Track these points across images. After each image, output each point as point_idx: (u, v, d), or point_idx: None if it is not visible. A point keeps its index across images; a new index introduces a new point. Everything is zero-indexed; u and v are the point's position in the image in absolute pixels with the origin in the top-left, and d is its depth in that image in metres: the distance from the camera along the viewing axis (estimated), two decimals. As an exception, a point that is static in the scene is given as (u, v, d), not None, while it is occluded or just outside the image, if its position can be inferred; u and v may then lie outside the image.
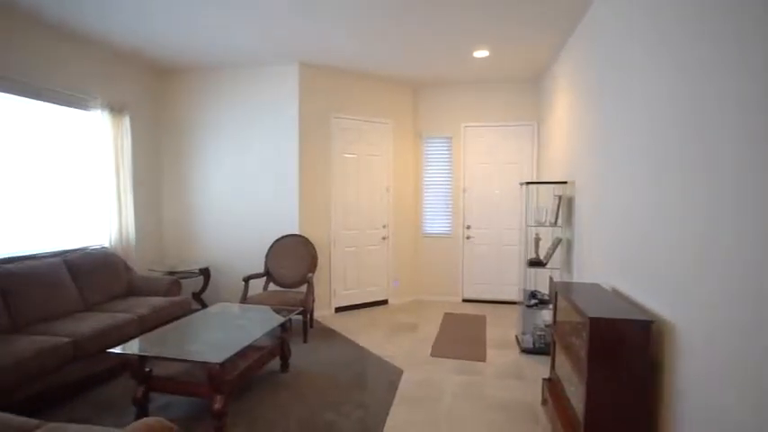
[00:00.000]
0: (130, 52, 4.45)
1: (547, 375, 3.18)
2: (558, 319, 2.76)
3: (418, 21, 3.57)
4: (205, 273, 4.88)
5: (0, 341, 2.80)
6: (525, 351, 3.86)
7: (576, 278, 3.52)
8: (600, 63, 2.99)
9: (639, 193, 2.23)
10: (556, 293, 2.80)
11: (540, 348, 3.82)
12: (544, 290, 4.23)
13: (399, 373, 3.43)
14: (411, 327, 4.62)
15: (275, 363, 3.47)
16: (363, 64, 4.75)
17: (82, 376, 3.05)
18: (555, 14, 3.39)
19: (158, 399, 2.91)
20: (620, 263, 2.51)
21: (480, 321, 4.81)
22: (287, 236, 4.69)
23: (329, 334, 4.38)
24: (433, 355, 3.81)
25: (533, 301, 3.89)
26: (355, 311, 5.20)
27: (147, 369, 2.66)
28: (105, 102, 4.27)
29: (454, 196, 5.66)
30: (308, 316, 4.21)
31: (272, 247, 4.65)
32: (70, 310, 3.51)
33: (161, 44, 4.20)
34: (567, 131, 3.93)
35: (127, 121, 4.49)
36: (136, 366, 2.61)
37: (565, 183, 3.84)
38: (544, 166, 5.03)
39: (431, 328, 4.55)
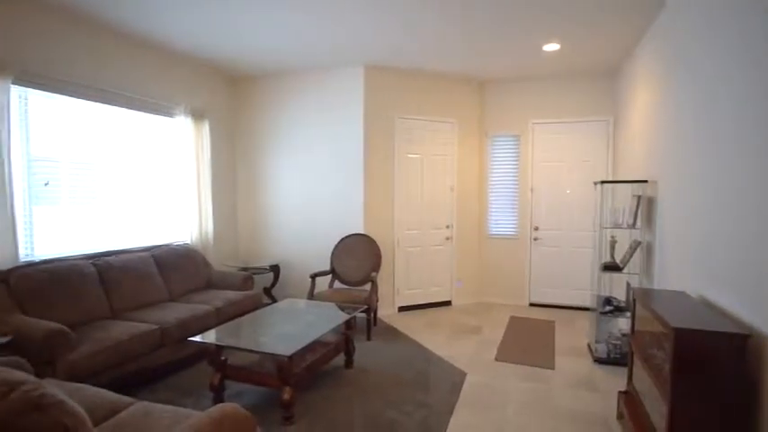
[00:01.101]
0: (210, 63, 4.79)
1: (623, 388, 2.97)
2: (636, 328, 2.57)
3: (486, 16, 3.49)
4: (275, 269, 5.12)
5: (101, 325, 3.14)
6: (598, 361, 3.64)
7: (656, 285, 3.25)
8: (688, 48, 2.74)
9: (741, 192, 2.00)
10: (634, 301, 2.61)
11: (614, 359, 3.58)
12: (620, 296, 3.96)
13: (462, 375, 3.38)
14: (475, 329, 4.53)
15: (340, 358, 3.56)
16: (428, 63, 4.73)
17: (166, 361, 3.32)
18: (634, 0, 3.16)
19: (232, 386, 3.10)
20: (710, 269, 2.28)
21: (548, 327, 4.60)
22: (352, 235, 4.79)
23: (392, 333, 4.41)
24: (497, 359, 3.71)
25: (608, 308, 3.65)
26: (418, 311, 5.20)
27: (223, 358, 2.84)
28: (188, 109, 4.62)
29: (521, 196, 5.46)
30: (372, 314, 4.27)
31: (337, 245, 4.78)
32: (157, 300, 3.84)
33: (236, 54, 4.47)
34: (648, 126, 3.65)
35: (206, 127, 4.83)
36: (213, 355, 2.80)
37: (645, 182, 3.57)
38: (621, 164, 4.70)
39: (495, 332, 4.43)
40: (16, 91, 3.19)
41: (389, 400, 2.95)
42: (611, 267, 3.67)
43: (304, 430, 2.58)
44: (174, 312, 3.52)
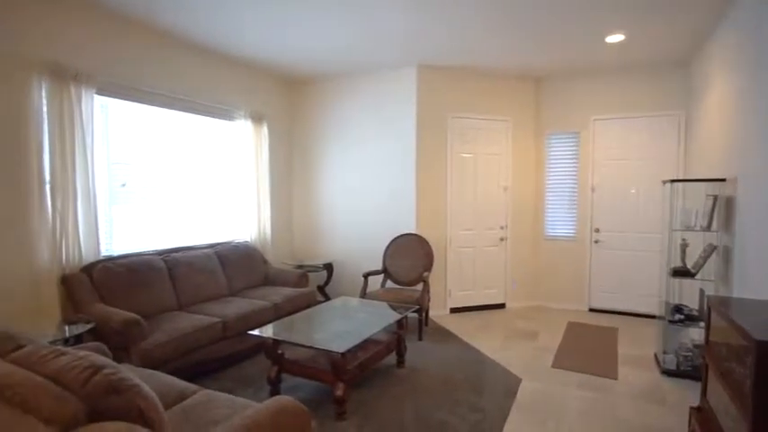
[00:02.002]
0: (268, 68, 4.98)
1: (695, 403, 2.75)
2: (711, 339, 2.38)
3: (543, 9, 3.37)
4: (329, 268, 5.24)
5: (170, 317, 3.37)
6: (667, 373, 3.40)
7: (736, 293, 2.98)
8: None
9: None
10: (709, 309, 2.41)
11: (685, 371, 3.33)
12: (691, 304, 3.67)
13: (517, 381, 3.28)
14: (530, 334, 4.38)
15: (391, 358, 3.57)
16: (482, 61, 4.64)
17: (227, 353, 3.49)
18: (712, -15, 2.92)
19: (288, 379, 3.21)
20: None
21: (610, 334, 4.36)
22: (404, 235, 4.80)
23: (444, 334, 4.37)
24: (554, 366, 3.57)
25: (678, 317, 3.40)
26: (471, 313, 5.11)
27: (280, 352, 2.94)
28: (248, 113, 4.84)
29: (580, 196, 5.21)
30: (424, 314, 4.26)
31: (389, 245, 4.81)
32: (219, 295, 4.05)
33: (293, 59, 4.62)
34: (728, 121, 3.35)
35: (265, 129, 5.04)
36: (270, 349, 2.91)
37: (723, 180, 3.28)
38: (693, 161, 4.36)
39: (552, 337, 4.26)
40: (98, 100, 3.49)
41: (441, 402, 2.93)
42: (682, 273, 3.42)
43: (356, 426, 2.62)
44: (235, 307, 3.69)
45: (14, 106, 3.00)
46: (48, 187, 3.14)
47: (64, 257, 3.21)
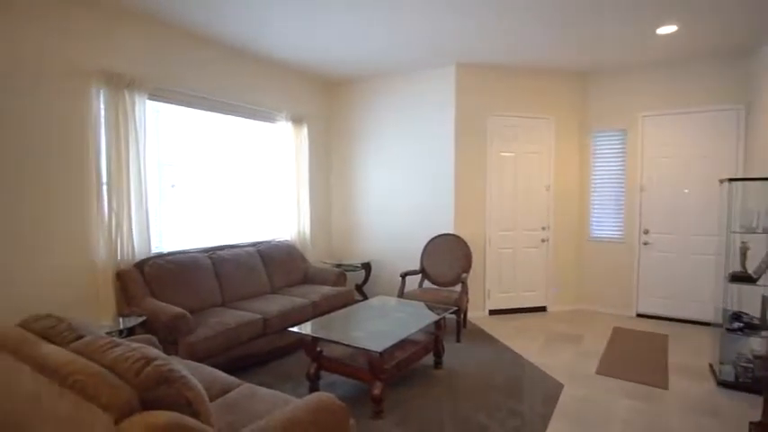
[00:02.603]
0: (308, 70, 5.08)
1: (755, 418, 2.57)
2: (774, 349, 2.21)
3: (589, 1, 3.25)
4: (366, 267, 5.28)
5: (215, 312, 3.50)
6: (723, 384, 3.19)
7: (803, 301, 2.76)
8: None
9: None
10: (772, 318, 2.24)
11: (744, 383, 3.12)
12: (752, 311, 3.43)
13: (559, 386, 3.18)
14: (573, 338, 4.23)
15: (429, 358, 3.56)
16: (524, 57, 4.53)
17: (267, 349, 3.58)
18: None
19: (326, 376, 3.26)
20: None
21: (660, 341, 4.15)
22: (442, 235, 4.76)
23: (482, 336, 4.30)
24: (599, 372, 3.43)
25: (737, 325, 3.19)
26: (510, 316, 5.00)
27: (319, 349, 2.99)
28: (288, 115, 4.95)
29: (628, 197, 4.98)
30: (462, 316, 4.21)
31: (427, 245, 4.78)
32: (261, 292, 4.17)
33: (331, 61, 4.69)
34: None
35: (305, 131, 5.14)
36: (310, 346, 2.96)
37: (788, 179, 3.05)
38: (755, 158, 4.08)
39: (597, 343, 4.10)
40: (150, 105, 3.67)
41: (479, 404, 2.89)
42: (742, 278, 3.20)
43: (393, 425, 2.62)
44: (276, 304, 3.79)
45: (77, 113, 3.21)
46: (105, 188, 3.34)
47: (119, 254, 3.40)
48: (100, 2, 3.28)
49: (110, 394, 1.16)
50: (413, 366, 3.44)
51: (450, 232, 4.83)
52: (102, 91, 3.31)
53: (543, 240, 5.14)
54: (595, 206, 5.21)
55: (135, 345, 1.40)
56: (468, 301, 4.46)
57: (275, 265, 4.43)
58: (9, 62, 2.88)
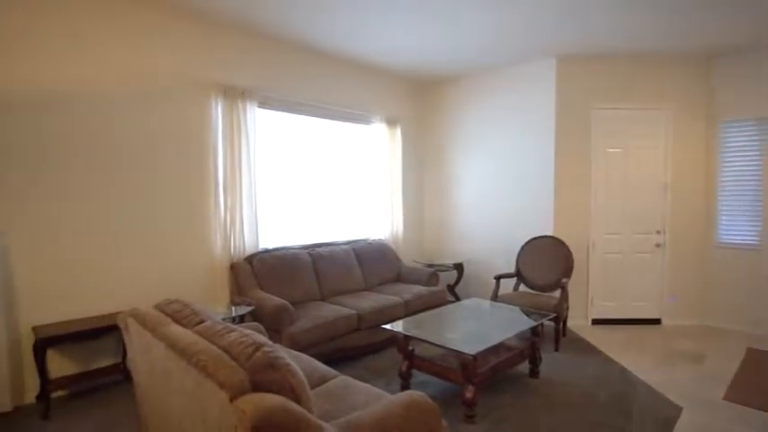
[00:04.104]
0: (401, 71, 5.16)
1: None
2: None
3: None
4: (459, 268, 5.21)
5: (313, 306, 3.71)
6: None
7: None
8: None
9: None
10: None
11: None
12: None
13: (677, 410, 2.83)
14: (695, 357, 3.75)
15: (524, 366, 3.40)
16: (634, 43, 4.12)
17: (361, 343, 3.70)
18: None
19: (418, 375, 3.27)
20: None
21: (811, 368, 3.50)
22: (540, 237, 4.52)
23: (584, 346, 4.00)
24: (727, 398, 3.00)
25: None
26: (617, 326, 4.58)
27: (411, 348, 3.02)
28: (383, 117, 5.08)
29: (767, 197, 4.28)
30: (561, 323, 3.95)
31: (523, 247, 4.57)
32: (355, 289, 4.32)
33: (426, 62, 4.70)
34: None
35: (398, 132, 5.23)
36: (402, 344, 3.00)
37: None
38: None
39: (724, 364, 3.59)
40: (259, 113, 4.00)
41: (579, 420, 2.69)
42: None
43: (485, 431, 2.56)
44: (369, 301, 3.90)
45: (201, 121, 3.65)
46: (221, 188, 3.73)
47: (232, 248, 3.77)
48: (219, 22, 3.66)
49: (226, 374, 1.29)
50: (507, 373, 3.32)
51: (550, 234, 4.57)
52: (219, 101, 3.69)
53: (658, 245, 4.63)
54: (724, 207, 4.55)
55: (246, 331, 1.54)
56: (568, 308, 4.18)
57: (369, 263, 4.57)
58: (150, 79, 3.35)
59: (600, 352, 3.86)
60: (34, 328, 2.83)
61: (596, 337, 4.24)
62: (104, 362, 3.21)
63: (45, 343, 2.71)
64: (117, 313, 3.14)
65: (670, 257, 4.63)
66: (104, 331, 2.91)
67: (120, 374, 3.16)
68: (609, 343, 4.09)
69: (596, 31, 3.84)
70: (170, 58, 3.46)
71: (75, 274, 3.06)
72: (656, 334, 4.35)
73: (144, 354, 1.80)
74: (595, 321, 4.66)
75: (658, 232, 4.62)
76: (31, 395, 2.89)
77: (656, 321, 4.66)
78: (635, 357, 3.73)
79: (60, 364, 3.01)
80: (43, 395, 2.74)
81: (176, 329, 1.65)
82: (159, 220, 3.44)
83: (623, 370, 3.46)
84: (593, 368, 3.50)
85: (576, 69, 4.53)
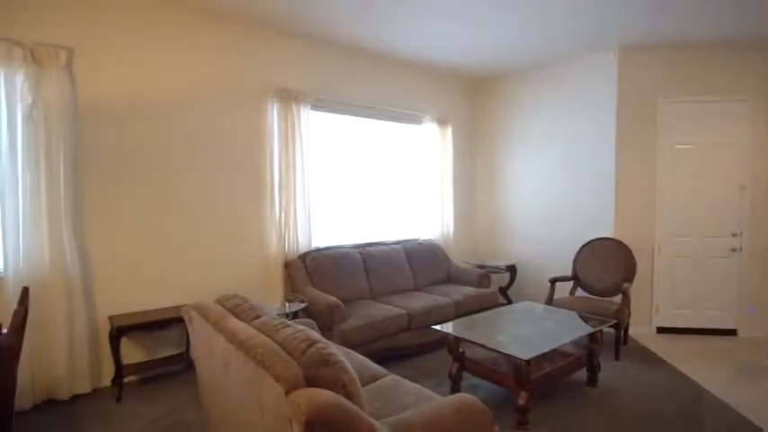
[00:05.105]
0: (452, 70, 5.10)
1: None
2: None
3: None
4: (511, 269, 5.06)
5: (364, 304, 3.76)
6: None
7: None
8: None
9: None
10: None
11: None
12: None
13: (757, 431, 2.59)
14: (777, 373, 3.42)
15: (581, 374, 3.25)
16: (709, 31, 3.81)
17: (410, 344, 3.70)
18: None
19: (468, 378, 3.21)
20: None
21: None
22: (599, 239, 4.30)
23: (648, 356, 3.76)
24: (818, 420, 2.70)
25: None
26: (685, 336, 4.26)
27: (461, 350, 2.97)
28: (434, 116, 5.04)
29: None
30: (622, 331, 3.74)
31: (581, 249, 4.37)
32: (405, 288, 4.32)
33: (478, 59, 4.62)
34: None
35: (449, 131, 5.17)
36: (452, 345, 2.97)
37: None
38: None
39: (814, 382, 3.24)
40: (312, 115, 4.10)
41: (644, 435, 2.53)
42: None
43: (540, 441, 2.47)
44: (419, 301, 3.89)
45: (258, 124, 3.81)
46: (276, 188, 3.86)
47: (286, 246, 3.90)
48: (276, 29, 3.79)
49: (282, 368, 1.33)
50: (563, 380, 3.19)
51: (610, 236, 4.33)
52: (275, 105, 3.83)
53: (734, 250, 4.25)
54: (814, 209, 4.11)
55: (300, 327, 1.58)
56: (629, 315, 3.94)
57: (419, 263, 4.55)
58: (212, 85, 3.55)
59: (666, 363, 3.61)
60: (110, 318, 3.08)
61: (662, 347, 3.97)
62: (170, 351, 3.43)
63: (119, 331, 2.93)
64: (181, 306, 3.34)
65: (749, 263, 4.24)
66: (170, 322, 3.11)
67: (184, 363, 3.37)
68: (676, 353, 3.81)
69: (665, 18, 3.59)
70: (231, 66, 3.64)
71: (144, 270, 3.29)
72: (730, 346, 4.01)
73: (206, 345, 1.90)
74: (661, 330, 4.37)
75: (734, 235, 4.25)
76: (106, 379, 3.15)
77: (731, 332, 4.29)
78: (707, 371, 3.45)
79: (131, 352, 3.25)
80: (117, 379, 2.97)
81: (235, 323, 1.73)
82: (220, 220, 3.63)
83: (693, 384, 3.22)
84: (658, 380, 3.28)
85: (640, 60, 4.26)
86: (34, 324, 2.76)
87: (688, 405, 2.89)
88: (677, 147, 4.29)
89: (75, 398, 2.96)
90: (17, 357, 1.88)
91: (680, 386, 3.17)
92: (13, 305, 2.25)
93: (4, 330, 1.73)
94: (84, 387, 2.99)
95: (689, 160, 4.28)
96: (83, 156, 3.02)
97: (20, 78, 2.72)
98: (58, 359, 2.87)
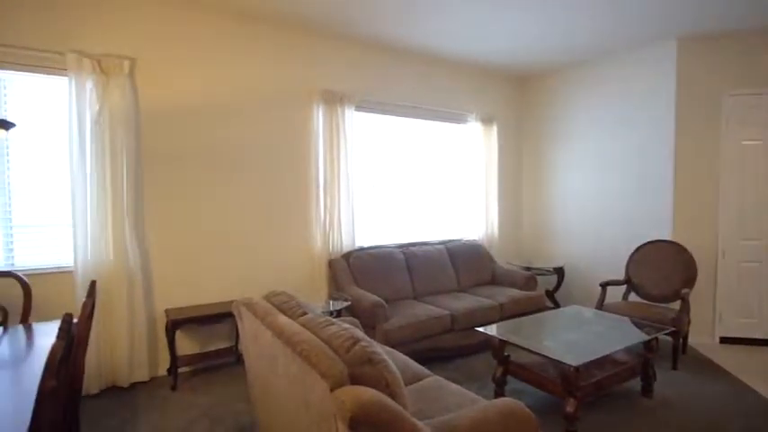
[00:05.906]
0: (497, 68, 4.99)
1: None
2: None
3: None
4: (559, 272, 4.89)
5: (406, 304, 3.76)
6: None
7: None
8: None
9: None
10: None
11: None
12: None
13: (836, 452, 2.37)
14: None
15: (635, 383, 3.09)
16: (783, 18, 3.52)
17: (453, 345, 3.65)
18: None
19: (513, 382, 3.14)
20: None
21: None
22: (655, 241, 4.06)
23: (709, 367, 3.52)
24: None
25: None
26: (753, 348, 3.95)
27: (506, 353, 2.91)
28: (478, 115, 4.96)
29: None
30: (681, 339, 3.52)
31: (635, 252, 4.15)
32: (448, 289, 4.28)
33: (525, 55, 4.50)
34: None
35: (494, 130, 5.07)
36: (497, 348, 2.91)
37: None
38: None
39: None
40: (356, 116, 4.15)
41: (706, 451, 2.37)
42: None
43: (589, 451, 2.37)
44: (463, 302, 3.84)
45: (305, 126, 3.91)
46: (321, 188, 3.94)
47: (331, 245, 3.97)
48: (324, 32, 3.87)
49: (327, 365, 1.36)
50: (614, 389, 3.04)
51: (667, 238, 4.09)
52: (320, 106, 3.91)
53: (810, 254, 3.90)
54: None
55: (345, 325, 1.61)
56: (689, 323, 3.71)
57: (463, 263, 4.50)
58: (262, 89, 3.69)
59: (730, 375, 3.37)
60: (166, 311, 3.26)
61: (725, 358, 3.70)
62: (220, 344, 3.58)
63: (174, 324, 3.10)
64: (231, 301, 3.49)
65: (827, 270, 3.88)
66: (221, 317, 3.25)
67: (233, 356, 3.51)
68: (743, 365, 3.54)
69: (723, 7, 3.35)
70: (281, 70, 3.76)
71: (197, 266, 3.46)
72: (806, 359, 3.68)
73: (254, 339, 1.98)
74: (724, 340, 4.08)
75: (811, 239, 3.89)
76: (162, 369, 3.34)
77: (807, 345, 3.94)
78: (777, 385, 3.19)
79: (185, 344, 3.43)
80: (172, 369, 3.14)
81: (283, 319, 1.78)
82: (268, 220, 3.75)
83: (760, 398, 2.98)
84: (720, 392, 3.06)
85: (703, 50, 3.99)
86: (99, 315, 2.97)
87: (754, 422, 2.68)
88: (744, 143, 3.99)
89: (135, 385, 3.17)
90: (86, 346, 2.04)
91: (747, 400, 2.94)
92: (82, 297, 2.44)
93: (75, 320, 1.88)
94: (142, 375, 3.19)
95: (759, 158, 3.96)
96: (143, 158, 3.22)
97: (89, 86, 2.94)
98: (121, 348, 3.08)
